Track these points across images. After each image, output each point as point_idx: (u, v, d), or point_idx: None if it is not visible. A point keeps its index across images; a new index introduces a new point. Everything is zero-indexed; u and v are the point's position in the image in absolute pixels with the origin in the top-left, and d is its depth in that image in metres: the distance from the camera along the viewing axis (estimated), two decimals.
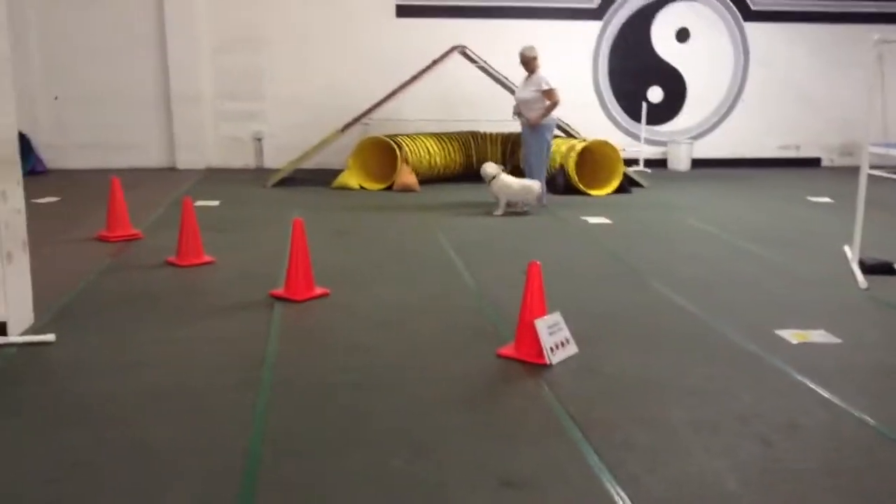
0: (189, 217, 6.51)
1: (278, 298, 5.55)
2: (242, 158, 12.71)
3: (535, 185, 8.96)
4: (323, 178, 11.08)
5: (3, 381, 4.10)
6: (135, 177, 10.94)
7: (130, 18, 12.10)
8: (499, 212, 8.93)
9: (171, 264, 6.48)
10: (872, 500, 3.10)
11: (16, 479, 3.14)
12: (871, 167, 6.42)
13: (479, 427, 3.67)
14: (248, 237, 7.70)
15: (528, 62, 9.50)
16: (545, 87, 9.27)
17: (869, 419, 3.76)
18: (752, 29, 13.44)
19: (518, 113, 9.57)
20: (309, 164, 11.15)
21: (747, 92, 13.59)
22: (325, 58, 12.54)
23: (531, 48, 9.50)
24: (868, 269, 6.37)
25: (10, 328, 4.61)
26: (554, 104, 9.30)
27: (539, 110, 9.30)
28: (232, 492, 3.06)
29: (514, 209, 9.02)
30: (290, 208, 8.98)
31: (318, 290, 5.65)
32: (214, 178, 11.60)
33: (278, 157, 12.18)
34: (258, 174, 11.85)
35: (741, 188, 11.36)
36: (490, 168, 9.02)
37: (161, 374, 4.24)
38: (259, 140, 12.66)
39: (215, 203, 9.40)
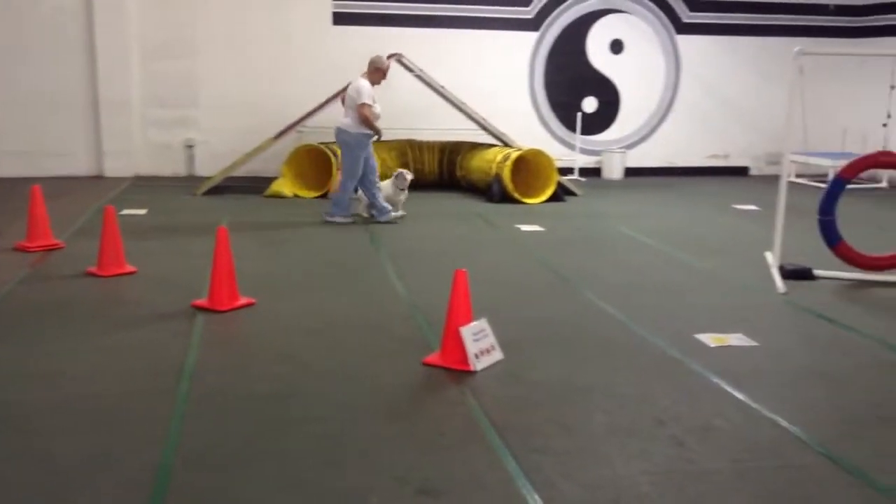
0: (111, 226, 6.34)
1: (201, 309, 5.44)
2: (172, 166, 12.44)
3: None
4: (256, 186, 10.93)
5: None
6: (61, 185, 10.63)
7: (59, 21, 11.77)
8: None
9: (92, 274, 6.31)
10: (780, 500, 3.17)
11: None
12: (798, 175, 6.60)
13: (401, 435, 3.66)
14: (175, 246, 7.54)
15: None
16: None
17: (780, 420, 3.85)
18: (684, 41, 13.73)
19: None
20: (242, 172, 10.96)
21: (679, 102, 13.87)
22: (260, 64, 12.39)
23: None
24: (787, 274, 6.55)
25: None
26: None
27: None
28: None
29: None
30: (220, 217, 8.82)
31: (243, 300, 5.56)
32: (143, 187, 11.32)
33: (211, 165, 11.93)
34: (189, 182, 11.59)
35: (672, 196, 11.57)
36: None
37: (75, 385, 4.14)
38: (190, 147, 12.41)
39: (143, 212, 9.17)
